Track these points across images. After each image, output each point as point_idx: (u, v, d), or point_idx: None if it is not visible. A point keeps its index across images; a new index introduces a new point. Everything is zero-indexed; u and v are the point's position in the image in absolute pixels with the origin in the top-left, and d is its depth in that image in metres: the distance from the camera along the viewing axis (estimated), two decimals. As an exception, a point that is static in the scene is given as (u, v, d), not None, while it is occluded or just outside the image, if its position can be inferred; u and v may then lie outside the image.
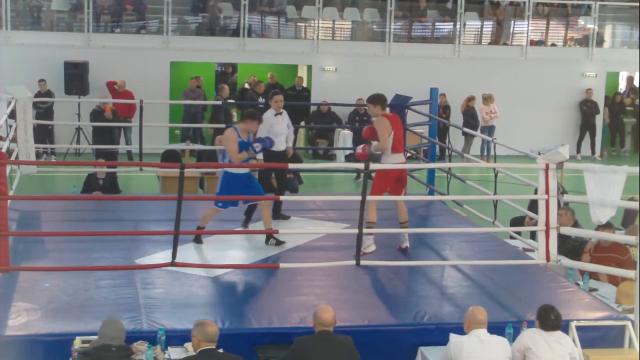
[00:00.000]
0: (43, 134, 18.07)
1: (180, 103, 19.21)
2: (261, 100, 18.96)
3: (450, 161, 15.74)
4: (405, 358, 7.51)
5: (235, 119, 19.89)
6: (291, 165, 8.99)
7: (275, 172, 10.81)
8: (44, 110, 18.11)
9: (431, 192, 12.55)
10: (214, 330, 6.36)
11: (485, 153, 19.91)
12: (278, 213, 10.93)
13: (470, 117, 20.23)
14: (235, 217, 10.79)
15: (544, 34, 22.94)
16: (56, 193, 15.34)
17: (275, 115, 10.73)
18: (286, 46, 21.06)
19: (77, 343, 6.72)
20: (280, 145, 10.57)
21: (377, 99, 9.62)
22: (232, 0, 20.82)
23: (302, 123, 19.62)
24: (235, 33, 20.63)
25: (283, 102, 10.85)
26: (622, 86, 23.73)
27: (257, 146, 9.51)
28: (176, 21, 20.70)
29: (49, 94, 18.34)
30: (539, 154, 9.16)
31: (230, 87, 23.01)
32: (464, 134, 19.46)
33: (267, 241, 9.81)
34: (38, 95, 18.04)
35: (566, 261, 8.70)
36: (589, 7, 22.61)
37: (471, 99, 20.43)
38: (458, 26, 21.55)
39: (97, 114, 17.30)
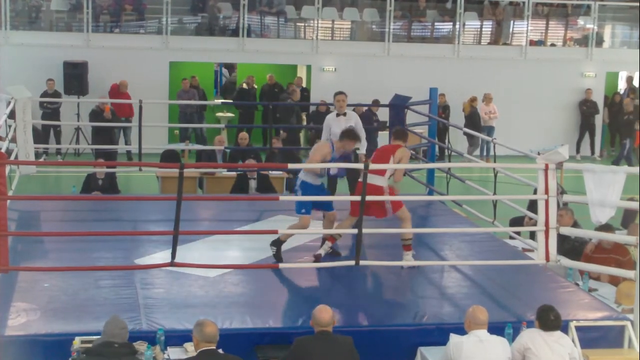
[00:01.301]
0: (49, 135, 18.13)
1: (179, 103, 19.21)
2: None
3: (449, 161, 15.73)
4: (405, 358, 7.51)
5: (304, 121, 19.79)
6: (291, 166, 8.94)
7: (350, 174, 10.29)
8: (52, 111, 18.15)
9: (431, 192, 12.55)
10: (212, 331, 6.33)
11: (485, 153, 19.90)
12: None
13: (477, 119, 20.06)
14: (235, 217, 10.80)
15: (544, 34, 22.93)
16: (56, 193, 15.33)
17: (337, 116, 10.18)
18: (285, 46, 21.06)
19: (77, 343, 6.72)
20: None
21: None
22: (232, 0, 20.83)
23: (303, 123, 19.67)
24: (235, 33, 20.63)
25: (346, 101, 10.28)
26: (622, 86, 23.73)
27: (333, 170, 9.05)
28: (175, 21, 20.70)
29: (56, 94, 18.35)
30: (539, 154, 9.15)
31: (229, 87, 23.09)
32: (466, 134, 19.37)
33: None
34: (45, 95, 18.07)
35: (566, 261, 8.70)
36: (589, 7, 22.61)
37: (474, 99, 20.27)
38: (457, 26, 21.56)
39: (96, 114, 17.31)
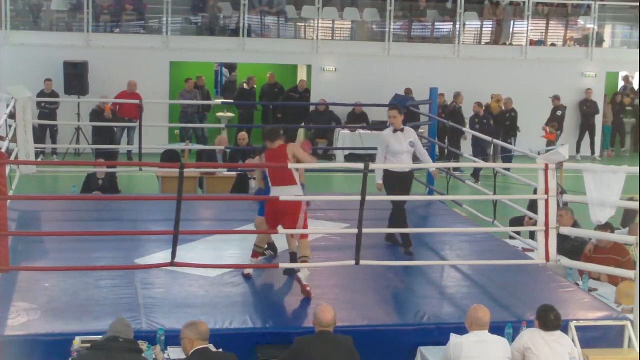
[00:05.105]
0: (45, 135, 18.13)
1: (180, 103, 19.21)
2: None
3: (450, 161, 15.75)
4: (405, 358, 7.51)
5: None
6: (291, 165, 8.90)
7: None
8: (50, 111, 18.13)
9: (431, 192, 12.55)
10: (206, 329, 6.38)
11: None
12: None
13: (513, 122, 19.25)
14: (235, 217, 10.80)
15: (544, 34, 22.94)
16: (56, 193, 15.34)
17: (394, 132, 9.61)
18: (286, 46, 21.06)
19: (77, 343, 6.72)
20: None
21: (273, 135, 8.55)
22: (232, 0, 20.84)
23: (302, 124, 19.68)
24: (235, 33, 20.64)
25: (400, 117, 9.60)
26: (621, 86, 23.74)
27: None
28: (176, 21, 20.71)
29: (54, 94, 18.33)
30: (539, 154, 9.16)
31: (230, 87, 23.08)
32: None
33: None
34: (42, 95, 18.05)
35: (566, 261, 8.71)
36: (589, 7, 22.61)
37: (500, 99, 19.22)
38: (458, 26, 21.55)
39: (96, 114, 17.30)
